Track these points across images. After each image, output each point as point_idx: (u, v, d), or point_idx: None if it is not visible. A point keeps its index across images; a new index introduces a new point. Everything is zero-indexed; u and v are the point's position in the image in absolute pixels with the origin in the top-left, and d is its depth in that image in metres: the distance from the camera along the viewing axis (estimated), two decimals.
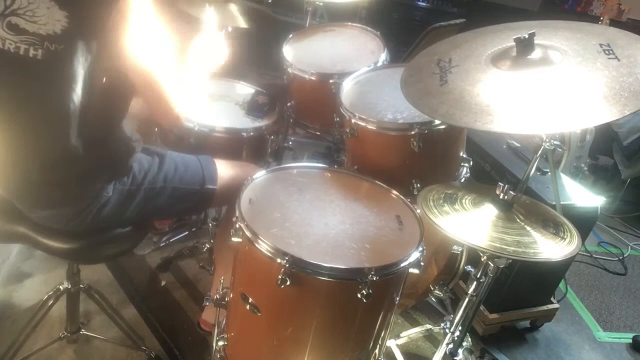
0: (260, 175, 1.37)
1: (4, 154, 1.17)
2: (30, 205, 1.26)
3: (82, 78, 1.11)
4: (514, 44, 1.17)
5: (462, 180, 1.62)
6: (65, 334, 1.64)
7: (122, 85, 1.20)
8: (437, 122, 1.41)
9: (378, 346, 1.28)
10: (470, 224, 1.15)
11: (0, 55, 1.08)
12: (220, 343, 1.33)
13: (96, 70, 1.12)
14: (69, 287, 1.54)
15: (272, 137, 1.81)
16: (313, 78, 1.82)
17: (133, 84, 1.20)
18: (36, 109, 1.13)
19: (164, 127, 1.64)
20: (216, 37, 1.46)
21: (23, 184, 1.23)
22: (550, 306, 2.14)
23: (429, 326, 1.88)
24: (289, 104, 1.94)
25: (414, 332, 1.87)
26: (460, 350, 1.46)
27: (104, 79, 1.14)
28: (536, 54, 1.15)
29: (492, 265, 1.22)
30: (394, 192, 1.40)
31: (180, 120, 1.29)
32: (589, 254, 2.85)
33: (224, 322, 1.37)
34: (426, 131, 1.42)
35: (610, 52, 1.09)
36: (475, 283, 1.31)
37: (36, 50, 1.07)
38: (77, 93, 1.11)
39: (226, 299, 1.31)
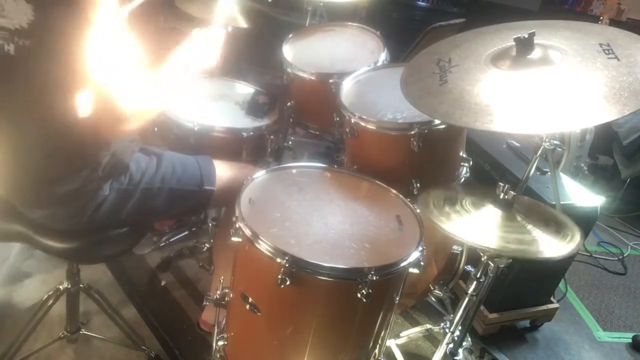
0: (260, 175, 1.37)
1: (1, 154, 1.17)
2: (27, 204, 1.26)
3: (58, 74, 1.09)
4: (513, 43, 1.17)
5: (462, 180, 1.62)
6: (65, 333, 1.64)
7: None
8: (436, 121, 1.41)
9: (378, 346, 1.28)
10: (471, 224, 1.15)
11: None
12: (220, 343, 1.34)
13: (71, 67, 1.09)
14: (69, 286, 1.54)
15: (272, 136, 1.81)
16: (313, 78, 1.82)
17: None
18: (22, 106, 1.13)
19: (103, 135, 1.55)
20: (212, 36, 1.43)
21: (20, 183, 1.23)
22: (550, 306, 2.14)
23: (428, 326, 1.87)
24: (288, 103, 1.94)
25: (414, 331, 1.87)
26: (460, 350, 1.46)
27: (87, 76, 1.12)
28: (536, 53, 1.15)
29: (492, 264, 1.23)
30: (394, 191, 1.40)
31: (121, 132, 1.24)
32: (588, 254, 2.85)
33: (224, 321, 1.38)
34: (426, 131, 1.42)
35: (610, 51, 1.09)
36: (475, 283, 1.32)
37: (9, 45, 1.06)
38: (58, 90, 1.10)
39: (226, 299, 1.31)
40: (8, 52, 1.07)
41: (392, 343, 1.76)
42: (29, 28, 1.06)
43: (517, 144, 2.13)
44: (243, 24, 1.94)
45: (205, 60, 1.40)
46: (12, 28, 1.06)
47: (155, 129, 1.74)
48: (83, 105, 1.16)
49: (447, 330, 1.44)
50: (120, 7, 1.13)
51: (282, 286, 1.05)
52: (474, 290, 1.33)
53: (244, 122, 1.76)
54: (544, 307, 2.13)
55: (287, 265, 1.05)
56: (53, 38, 1.07)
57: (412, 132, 1.42)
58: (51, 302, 1.54)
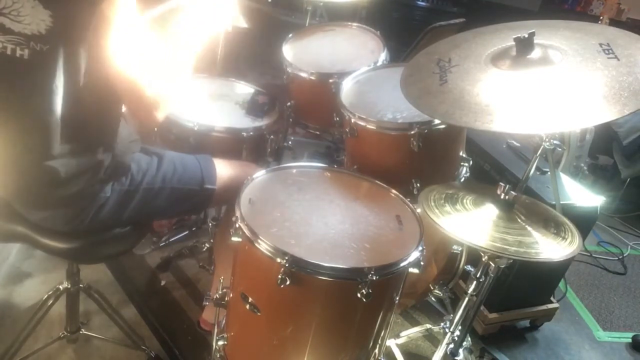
0: (260, 174, 1.37)
1: (1, 155, 1.17)
2: (28, 206, 1.26)
3: (70, 78, 1.10)
4: (513, 43, 1.17)
5: (462, 180, 1.62)
6: (65, 333, 1.63)
7: (114, 87, 1.19)
8: (436, 121, 1.41)
9: (378, 346, 1.28)
10: (472, 224, 1.15)
11: None
12: (220, 342, 1.34)
13: (85, 71, 1.11)
14: (69, 286, 1.54)
15: (271, 136, 1.81)
16: (313, 78, 1.82)
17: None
18: (28, 109, 1.13)
19: (145, 127, 1.60)
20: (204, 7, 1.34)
21: (20, 185, 1.22)
22: (550, 306, 2.14)
23: (428, 326, 1.88)
24: (288, 103, 1.94)
25: (414, 331, 1.87)
26: (460, 350, 1.46)
27: (96, 79, 1.13)
28: (536, 53, 1.15)
29: (493, 265, 1.22)
30: (394, 191, 1.40)
31: (158, 121, 1.25)
32: (588, 254, 2.85)
33: (224, 321, 1.38)
34: (426, 131, 1.42)
35: (610, 51, 1.09)
36: (475, 283, 1.32)
37: (22, 50, 1.07)
38: (68, 93, 1.11)
39: (226, 299, 1.31)
40: (21, 57, 1.08)
41: (392, 343, 1.76)
42: (46, 34, 1.07)
43: (517, 144, 2.13)
44: (243, 24, 1.94)
45: (215, 27, 1.36)
46: (28, 33, 1.07)
47: (155, 129, 1.74)
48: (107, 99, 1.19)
49: (447, 330, 1.44)
50: (140, 10, 1.13)
51: (282, 286, 1.05)
52: (474, 290, 1.33)
53: (244, 122, 1.76)
54: (544, 307, 2.13)
55: (287, 265, 1.05)
56: (73, 41, 1.08)
57: (412, 132, 1.42)
58: (51, 302, 1.54)
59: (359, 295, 1.06)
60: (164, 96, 1.22)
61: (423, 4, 4.41)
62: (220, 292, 1.31)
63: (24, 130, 1.15)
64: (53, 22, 1.06)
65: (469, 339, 1.60)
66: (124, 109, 1.28)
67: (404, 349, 1.83)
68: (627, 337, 2.30)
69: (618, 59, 1.06)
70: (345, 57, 1.91)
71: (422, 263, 1.16)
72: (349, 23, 2.13)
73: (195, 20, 1.31)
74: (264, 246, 1.09)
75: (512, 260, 1.15)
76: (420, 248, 1.17)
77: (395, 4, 4.31)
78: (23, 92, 1.12)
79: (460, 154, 1.63)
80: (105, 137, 1.24)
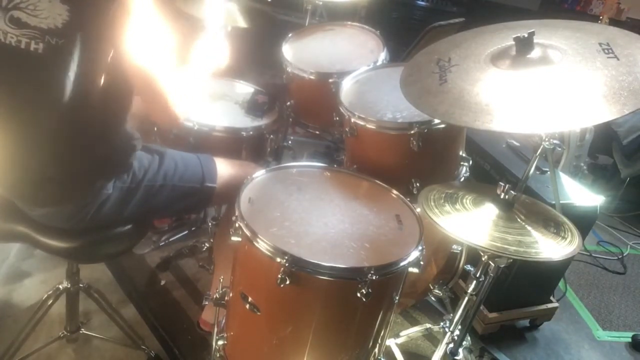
0: (259, 174, 1.37)
1: (3, 151, 1.17)
2: (30, 203, 1.26)
3: (82, 73, 1.11)
4: (513, 43, 1.17)
5: (462, 179, 1.62)
6: (65, 333, 1.64)
7: (124, 83, 1.20)
8: (436, 121, 1.41)
9: (378, 345, 1.29)
10: (472, 224, 1.15)
11: (2, 49, 1.08)
12: (220, 342, 1.34)
13: (97, 66, 1.12)
14: (69, 286, 1.54)
15: (271, 136, 1.81)
16: (312, 77, 1.82)
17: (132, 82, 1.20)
18: (36, 105, 1.13)
19: (162, 127, 1.64)
20: (217, 38, 1.46)
21: (23, 182, 1.22)
22: (550, 305, 2.14)
23: (428, 325, 1.88)
24: (288, 103, 1.94)
25: (414, 331, 1.87)
26: (460, 350, 1.46)
27: (106, 76, 1.14)
28: (535, 53, 1.15)
29: (492, 264, 1.23)
30: (394, 191, 1.40)
31: (177, 119, 1.28)
32: (588, 253, 2.85)
33: (224, 321, 1.38)
34: (426, 130, 1.42)
35: (610, 51, 1.09)
36: (474, 282, 1.32)
37: (37, 44, 1.07)
38: (78, 89, 1.11)
39: (226, 298, 1.31)
40: (36, 50, 1.08)
41: (391, 342, 1.76)
42: (63, 28, 1.07)
43: (517, 144, 2.13)
44: (243, 23, 1.94)
45: (216, 61, 1.45)
46: (44, 27, 1.07)
47: (155, 128, 1.74)
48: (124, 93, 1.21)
49: (446, 329, 1.44)
50: None
51: (282, 286, 1.05)
52: (474, 289, 1.33)
53: (244, 122, 1.76)
54: (544, 306, 2.13)
55: (286, 264, 1.05)
56: (89, 35, 1.08)
57: (412, 132, 1.42)
58: (51, 301, 1.54)
59: (358, 294, 1.06)
60: (180, 93, 1.24)
61: (423, 3, 4.41)
62: (220, 291, 1.31)
63: (32, 125, 1.15)
64: (70, 16, 1.07)
65: (469, 338, 1.60)
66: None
67: (403, 348, 1.83)
68: (626, 336, 2.30)
69: (618, 59, 1.06)
70: (345, 57, 1.91)
71: (421, 262, 1.16)
72: (349, 23, 2.13)
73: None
74: (263, 246, 1.09)
75: (511, 260, 1.15)
76: (420, 247, 1.17)
77: (395, 3, 4.31)
78: (34, 86, 1.12)
79: (460, 153, 1.63)
80: (109, 134, 1.24)
